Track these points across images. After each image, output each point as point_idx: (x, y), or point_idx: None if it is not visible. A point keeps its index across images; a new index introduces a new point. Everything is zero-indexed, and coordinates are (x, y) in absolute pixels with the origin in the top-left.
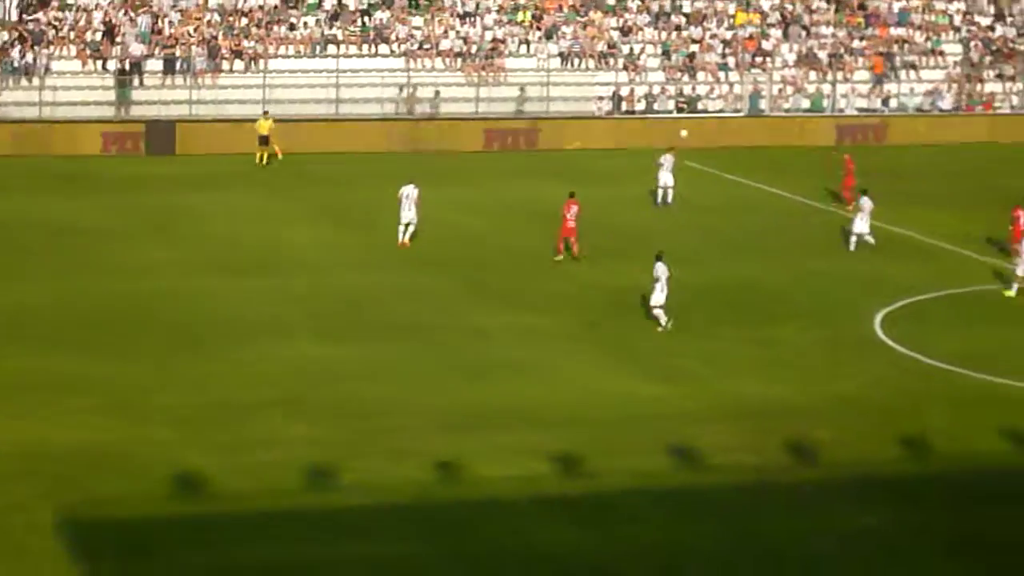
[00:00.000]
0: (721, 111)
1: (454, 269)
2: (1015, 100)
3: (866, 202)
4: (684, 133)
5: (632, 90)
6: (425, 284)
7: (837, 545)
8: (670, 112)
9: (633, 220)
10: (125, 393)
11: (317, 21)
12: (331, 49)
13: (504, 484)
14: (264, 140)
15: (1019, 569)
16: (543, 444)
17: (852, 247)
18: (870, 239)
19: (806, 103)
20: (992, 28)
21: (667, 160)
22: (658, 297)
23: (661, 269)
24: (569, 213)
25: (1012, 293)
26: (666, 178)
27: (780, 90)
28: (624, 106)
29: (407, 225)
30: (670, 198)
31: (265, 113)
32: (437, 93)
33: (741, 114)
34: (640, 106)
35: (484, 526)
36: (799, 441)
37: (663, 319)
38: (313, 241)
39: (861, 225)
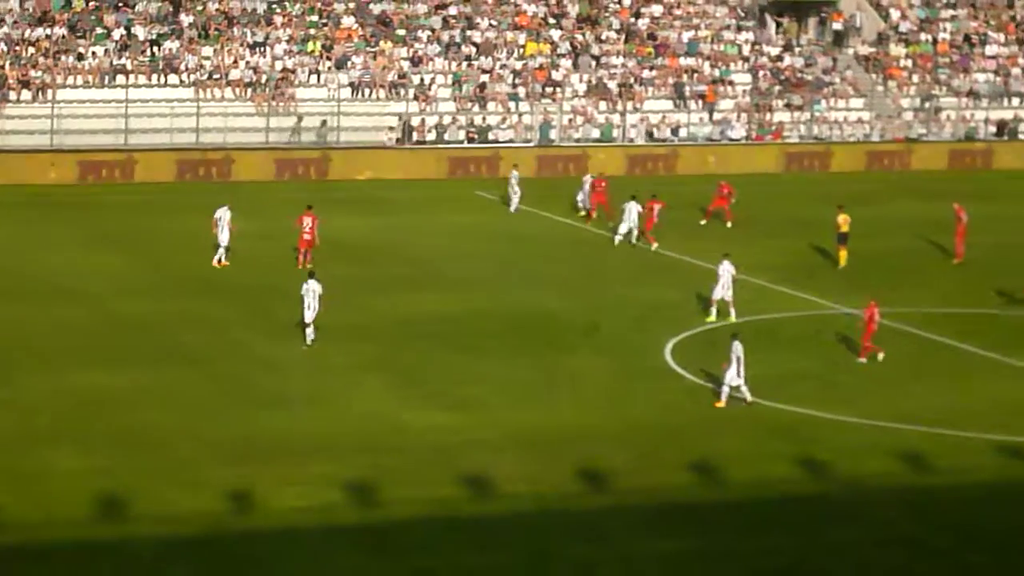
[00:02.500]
0: (511, 141)
1: (243, 298)
2: (803, 129)
3: None
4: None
5: (423, 120)
6: (212, 312)
7: (629, 572)
8: (461, 142)
9: (425, 250)
10: None
11: (106, 51)
12: (120, 79)
13: (297, 515)
14: None
15: None
16: (335, 474)
17: None
18: None
19: (596, 133)
20: (780, 58)
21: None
22: (309, 315)
23: (313, 286)
24: (304, 225)
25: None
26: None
27: (570, 120)
28: (415, 136)
29: (225, 248)
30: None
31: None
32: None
33: (531, 144)
34: (431, 136)
35: (279, 557)
36: (591, 468)
37: (310, 336)
38: (97, 269)
39: None
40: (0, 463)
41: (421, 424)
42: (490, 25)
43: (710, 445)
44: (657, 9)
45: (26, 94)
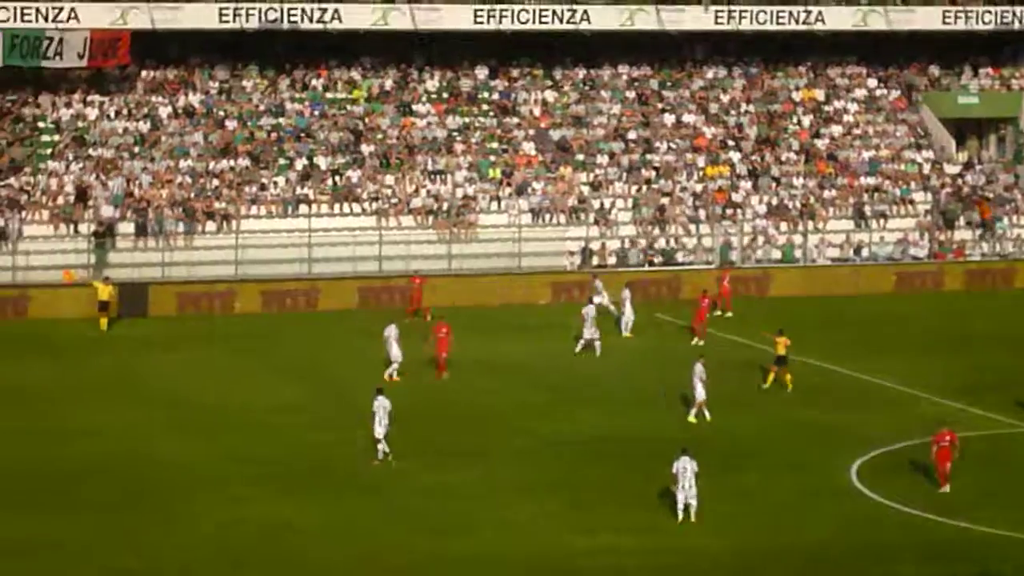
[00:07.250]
0: (692, 263)
1: (413, 426)
2: (985, 247)
3: None
4: None
5: (603, 243)
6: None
7: None
8: (641, 265)
9: (598, 371)
10: (75, 556)
11: (287, 181)
12: (303, 208)
13: None
14: (104, 306)
15: None
16: None
17: None
18: None
19: (777, 254)
20: (961, 176)
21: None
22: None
23: (383, 402)
24: (440, 333)
25: (692, 419)
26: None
27: (751, 241)
28: (595, 260)
29: (394, 363)
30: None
31: (106, 279)
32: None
33: (712, 266)
34: (611, 260)
35: None
36: None
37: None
38: (282, 400)
39: None
40: None
41: (598, 548)
42: (668, 148)
43: (894, 568)
44: (836, 129)
45: (211, 225)
